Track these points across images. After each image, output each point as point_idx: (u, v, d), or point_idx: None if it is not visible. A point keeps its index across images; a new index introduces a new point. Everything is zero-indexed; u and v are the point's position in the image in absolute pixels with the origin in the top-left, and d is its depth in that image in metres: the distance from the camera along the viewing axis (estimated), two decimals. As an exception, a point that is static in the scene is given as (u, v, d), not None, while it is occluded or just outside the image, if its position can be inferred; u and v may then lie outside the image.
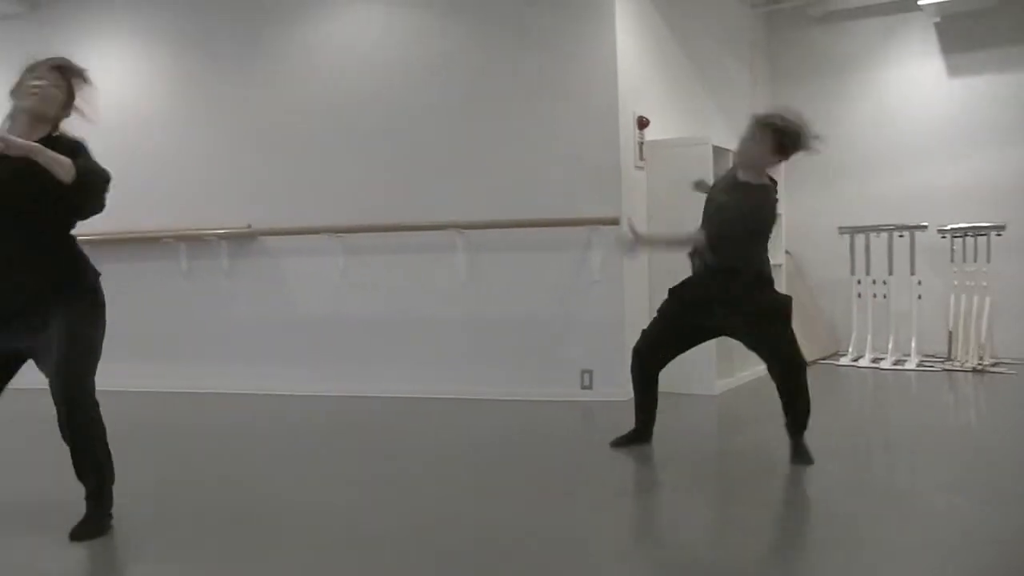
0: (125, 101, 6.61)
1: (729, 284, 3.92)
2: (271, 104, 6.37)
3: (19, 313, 2.97)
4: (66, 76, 3.04)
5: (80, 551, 2.93)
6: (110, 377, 7.23)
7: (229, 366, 6.45)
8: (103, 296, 3.11)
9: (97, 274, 3.12)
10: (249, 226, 6.36)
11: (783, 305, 4.02)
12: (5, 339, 3.01)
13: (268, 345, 6.36)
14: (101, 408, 3.02)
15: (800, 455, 3.94)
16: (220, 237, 6.40)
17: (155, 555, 2.93)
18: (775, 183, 4.07)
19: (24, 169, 2.80)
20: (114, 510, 3.10)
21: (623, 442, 4.33)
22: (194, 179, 6.57)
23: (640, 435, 4.33)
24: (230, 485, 3.85)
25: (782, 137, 3.84)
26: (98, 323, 3.07)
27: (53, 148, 2.85)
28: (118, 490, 3.12)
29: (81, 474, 3.03)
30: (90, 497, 3.05)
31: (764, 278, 3.99)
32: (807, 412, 3.96)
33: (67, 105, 3.05)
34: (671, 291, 4.20)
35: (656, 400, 4.33)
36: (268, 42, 6.40)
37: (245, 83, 6.44)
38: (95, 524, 3.03)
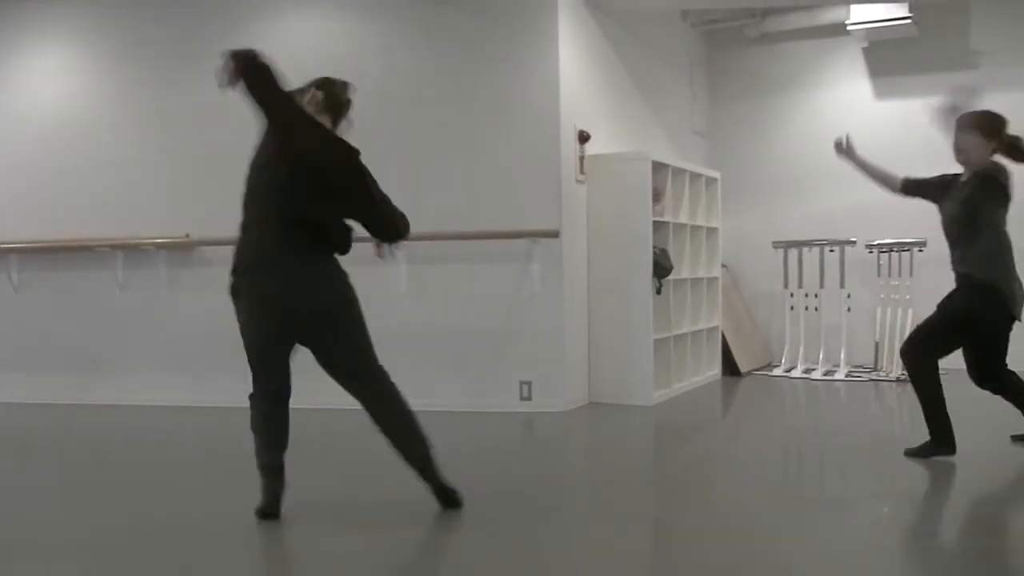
0: (63, 106, 6.52)
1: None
2: (210, 111, 6.29)
3: None
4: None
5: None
6: (42, 389, 7.00)
7: (166, 378, 6.37)
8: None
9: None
10: (187, 236, 6.30)
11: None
12: None
13: (204, 357, 6.28)
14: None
15: None
16: (158, 247, 6.32)
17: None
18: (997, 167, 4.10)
19: None
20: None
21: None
22: (133, 187, 6.47)
23: None
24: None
25: (981, 120, 4.05)
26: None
27: None
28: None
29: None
30: None
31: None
32: None
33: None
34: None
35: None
36: (208, 48, 6.30)
37: (186, 89, 6.37)
38: None
